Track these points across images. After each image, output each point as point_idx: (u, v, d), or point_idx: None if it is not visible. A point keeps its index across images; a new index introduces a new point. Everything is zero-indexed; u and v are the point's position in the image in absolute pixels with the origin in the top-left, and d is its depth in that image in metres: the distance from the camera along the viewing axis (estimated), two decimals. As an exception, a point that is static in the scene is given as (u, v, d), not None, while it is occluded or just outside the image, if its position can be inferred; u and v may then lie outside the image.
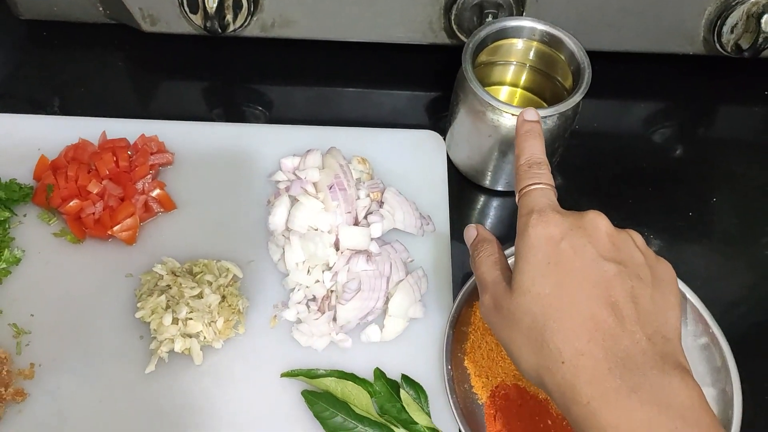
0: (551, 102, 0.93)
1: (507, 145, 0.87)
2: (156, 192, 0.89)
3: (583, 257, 0.61)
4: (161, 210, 0.90)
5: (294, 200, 0.87)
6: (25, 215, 0.89)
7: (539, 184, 0.67)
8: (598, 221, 0.64)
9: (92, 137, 0.93)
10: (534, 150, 0.71)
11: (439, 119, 1.03)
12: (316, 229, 0.85)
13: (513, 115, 0.83)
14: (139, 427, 0.78)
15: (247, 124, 1.00)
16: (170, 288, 0.81)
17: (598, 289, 0.61)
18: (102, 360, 0.81)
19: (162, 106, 1.05)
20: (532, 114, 0.75)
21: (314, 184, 0.88)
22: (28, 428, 0.77)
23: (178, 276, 0.82)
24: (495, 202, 0.97)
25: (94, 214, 0.87)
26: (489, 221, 0.96)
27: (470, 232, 0.75)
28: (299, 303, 0.84)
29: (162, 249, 0.88)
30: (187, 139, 0.96)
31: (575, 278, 0.61)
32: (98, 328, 0.83)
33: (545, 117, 0.83)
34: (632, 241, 0.65)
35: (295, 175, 0.90)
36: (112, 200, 0.87)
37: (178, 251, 0.88)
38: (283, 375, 0.81)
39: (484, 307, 0.68)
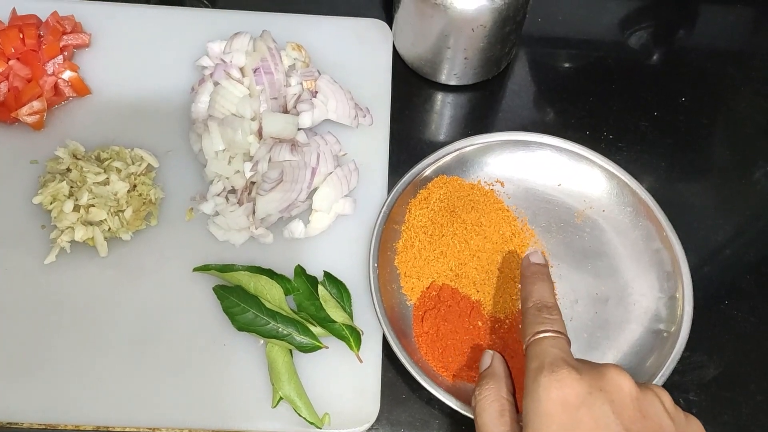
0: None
1: (455, 31, 0.79)
2: (67, 74, 0.82)
3: (607, 430, 0.52)
4: (73, 94, 0.83)
5: (217, 86, 0.79)
6: None
7: (550, 332, 0.59)
8: (620, 381, 0.54)
9: (3, 16, 0.85)
10: (543, 293, 0.64)
11: (389, 8, 0.94)
12: (239, 116, 0.78)
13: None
14: (38, 320, 0.72)
15: (176, 7, 0.92)
16: (70, 172, 0.74)
17: None
18: (0, 248, 0.74)
19: None
20: (538, 257, 0.70)
21: (240, 70, 0.80)
22: None
23: (80, 160, 0.75)
24: (441, 97, 0.89)
25: (-4, 95, 0.79)
26: (436, 118, 0.89)
27: (485, 359, 0.65)
28: (218, 195, 0.77)
29: (72, 135, 0.81)
30: (108, 20, 0.88)
31: None
32: (-3, 215, 0.76)
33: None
34: (659, 402, 0.56)
35: (222, 60, 0.82)
36: (17, 81, 0.80)
37: (91, 138, 0.80)
38: (196, 269, 0.75)
39: None
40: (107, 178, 0.74)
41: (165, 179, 0.79)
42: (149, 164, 0.78)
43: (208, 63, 0.83)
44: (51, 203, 0.74)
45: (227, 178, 0.77)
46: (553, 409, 0.53)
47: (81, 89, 0.82)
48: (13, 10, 0.85)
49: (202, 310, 0.73)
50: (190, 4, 0.97)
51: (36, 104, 0.79)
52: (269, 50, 0.79)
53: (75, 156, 0.75)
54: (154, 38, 0.88)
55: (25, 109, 0.79)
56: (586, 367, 0.56)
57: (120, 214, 0.74)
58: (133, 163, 0.77)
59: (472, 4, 0.76)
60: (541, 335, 0.59)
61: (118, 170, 0.75)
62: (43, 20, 0.85)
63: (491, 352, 0.65)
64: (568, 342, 0.59)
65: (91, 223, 0.73)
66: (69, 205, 0.72)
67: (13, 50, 0.80)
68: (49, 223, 0.75)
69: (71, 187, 0.74)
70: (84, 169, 0.73)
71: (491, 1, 0.75)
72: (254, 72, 0.77)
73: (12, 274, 0.74)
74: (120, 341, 0.72)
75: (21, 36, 0.81)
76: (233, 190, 0.77)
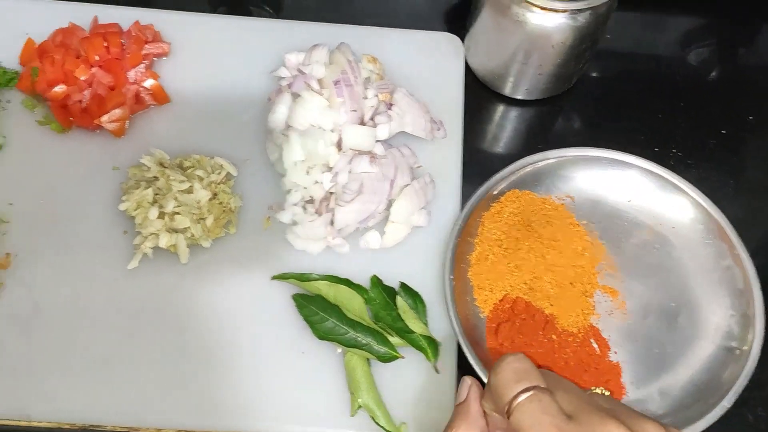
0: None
1: (531, 46, 0.80)
2: (149, 82, 0.84)
3: None
4: (154, 102, 0.84)
5: (296, 97, 0.81)
6: (9, 101, 0.84)
7: (531, 390, 0.52)
8: None
9: (84, 23, 0.87)
10: (512, 357, 0.55)
11: (459, 22, 0.95)
12: (318, 128, 0.79)
13: (543, 9, 0.76)
14: (118, 324, 0.74)
15: (252, 18, 0.94)
16: (157, 180, 0.75)
17: None
18: (82, 254, 0.76)
19: None
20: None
21: (319, 81, 0.81)
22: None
23: (166, 168, 0.76)
24: (509, 111, 0.90)
25: (81, 102, 0.81)
26: (506, 132, 0.90)
27: (462, 390, 0.60)
28: (296, 205, 0.79)
29: (153, 143, 0.82)
30: (186, 30, 0.90)
31: None
32: (80, 221, 0.78)
33: (576, 11, 0.76)
34: None
35: (300, 71, 0.84)
36: (101, 88, 0.82)
37: (170, 146, 0.82)
38: (274, 278, 0.76)
39: None
40: (191, 186, 0.75)
41: (242, 188, 0.81)
42: (228, 173, 0.80)
43: (285, 74, 0.84)
44: (135, 209, 0.75)
45: (305, 188, 0.78)
46: None
47: (161, 97, 0.84)
48: (95, 18, 0.87)
49: (280, 318, 0.75)
50: (256, 13, 0.98)
51: (118, 112, 0.81)
52: (349, 63, 0.80)
53: (162, 164, 0.77)
54: (227, 47, 0.89)
55: (107, 117, 0.81)
56: (581, 427, 0.50)
57: (202, 221, 0.75)
58: (213, 172, 0.79)
59: (554, 21, 0.77)
60: (523, 397, 0.52)
61: (200, 178, 0.77)
62: (124, 29, 0.86)
63: (469, 381, 0.61)
64: (552, 396, 0.52)
65: (175, 230, 0.74)
66: (154, 212, 0.74)
67: (97, 58, 0.82)
68: (131, 229, 0.77)
69: (156, 194, 0.75)
70: (171, 177, 0.75)
71: (573, 19, 0.76)
72: (335, 84, 0.78)
73: (95, 278, 0.75)
74: (200, 347, 0.73)
75: (105, 44, 0.82)
76: (311, 200, 0.78)
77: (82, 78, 0.81)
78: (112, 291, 0.75)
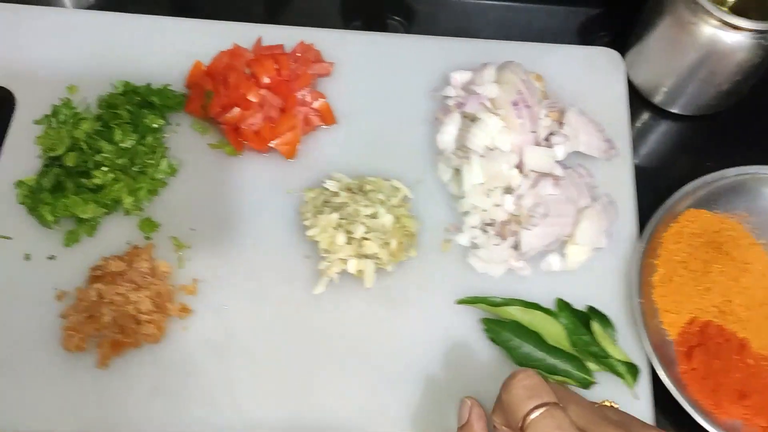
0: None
1: (715, 65, 0.79)
2: (318, 103, 0.83)
3: None
4: (321, 123, 0.84)
5: (470, 117, 0.80)
6: (178, 124, 0.84)
7: (544, 406, 0.52)
8: None
9: (242, 43, 0.87)
10: (523, 374, 0.55)
11: (615, 37, 0.94)
12: (497, 149, 0.78)
13: (733, 28, 0.75)
14: (308, 349, 0.74)
15: (406, 35, 0.93)
16: (347, 206, 0.75)
17: None
18: (267, 278, 0.76)
19: (304, 13, 0.97)
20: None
21: (491, 101, 0.81)
22: (194, 345, 0.73)
23: (355, 193, 0.76)
24: (676, 127, 0.89)
25: (253, 125, 0.81)
26: (671, 148, 0.89)
27: (462, 411, 0.62)
28: (474, 227, 0.78)
29: (322, 164, 0.82)
30: (344, 48, 0.89)
31: None
32: (261, 245, 0.78)
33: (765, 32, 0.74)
34: None
35: (466, 90, 0.83)
36: (272, 111, 0.82)
37: (340, 168, 0.82)
38: (460, 302, 0.76)
39: None
40: (375, 211, 0.75)
41: (416, 209, 0.80)
42: (405, 195, 0.79)
43: (452, 93, 0.84)
44: (319, 234, 0.75)
45: (484, 211, 0.78)
46: None
47: (329, 118, 0.84)
48: (259, 39, 0.86)
49: (467, 343, 0.74)
50: (391, 27, 0.98)
51: (290, 134, 0.81)
52: (522, 82, 0.80)
53: (349, 189, 0.77)
54: (384, 65, 0.89)
55: (280, 139, 0.81)
56: None
57: (386, 245, 0.75)
58: (392, 195, 0.78)
59: (742, 39, 0.76)
60: (536, 413, 0.52)
61: (382, 202, 0.77)
62: (286, 49, 0.86)
63: (469, 402, 0.62)
64: (564, 412, 0.53)
65: (366, 256, 0.74)
66: (342, 238, 0.74)
67: (267, 80, 0.82)
68: (312, 253, 0.77)
69: (341, 218, 0.75)
70: (360, 203, 0.75)
71: (764, 38, 0.75)
72: (514, 105, 0.77)
73: (281, 303, 0.75)
74: (386, 372, 0.73)
75: (276, 66, 0.82)
76: (490, 222, 0.78)
77: (255, 101, 0.81)
78: (299, 316, 0.75)
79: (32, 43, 0.87)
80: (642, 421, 0.58)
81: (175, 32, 0.89)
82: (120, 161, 0.76)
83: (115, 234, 0.78)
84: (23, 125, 0.83)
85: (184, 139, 0.83)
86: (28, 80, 0.85)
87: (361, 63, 0.89)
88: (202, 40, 0.88)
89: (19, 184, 0.78)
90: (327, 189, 0.78)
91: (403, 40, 0.91)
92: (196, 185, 0.81)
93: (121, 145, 0.77)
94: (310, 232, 0.75)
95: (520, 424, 0.53)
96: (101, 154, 0.76)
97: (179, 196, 0.80)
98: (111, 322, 0.71)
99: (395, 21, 0.98)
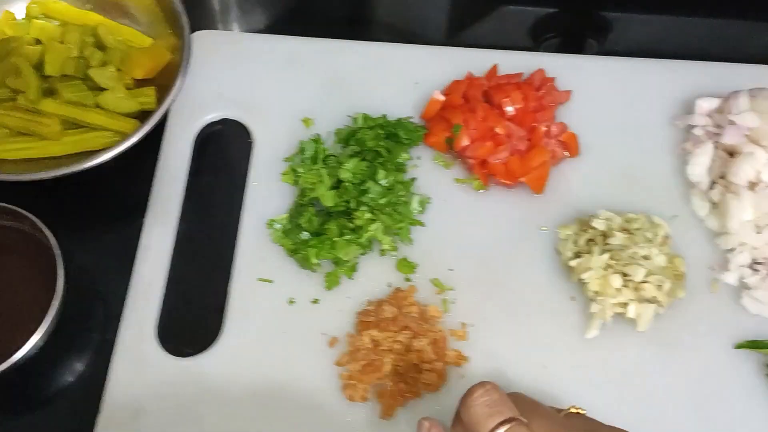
0: None
1: None
2: (564, 135, 0.80)
3: None
4: (566, 155, 0.81)
5: (717, 148, 0.77)
6: (419, 158, 0.81)
7: (507, 423, 0.50)
8: None
9: (458, 69, 0.85)
10: (481, 389, 0.52)
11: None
12: (757, 183, 0.75)
13: None
14: (583, 396, 0.70)
15: (639, 59, 0.88)
16: (625, 247, 0.72)
17: None
18: (535, 321, 0.74)
19: (490, 35, 0.95)
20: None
21: (750, 131, 0.77)
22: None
23: (632, 234, 0.73)
24: None
25: (501, 158, 0.78)
26: None
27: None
28: (742, 266, 0.75)
29: (569, 198, 0.80)
30: (575, 74, 0.86)
31: None
32: (522, 285, 0.75)
33: None
34: None
35: (712, 118, 0.80)
36: (521, 144, 0.79)
37: (587, 202, 0.79)
38: (739, 346, 0.73)
39: None
40: (650, 251, 0.72)
41: (674, 247, 0.77)
42: (666, 233, 0.76)
43: (700, 122, 0.81)
44: (590, 275, 0.72)
45: (755, 248, 0.75)
46: None
47: (574, 149, 0.81)
48: (494, 67, 0.84)
49: (746, 392, 0.71)
50: (587, 48, 0.95)
51: (541, 168, 0.78)
52: (782, 111, 0.76)
53: (626, 229, 0.74)
54: (619, 91, 0.86)
55: (530, 173, 0.78)
56: None
57: (660, 287, 0.72)
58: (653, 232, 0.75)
59: None
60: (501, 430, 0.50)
61: (650, 240, 0.74)
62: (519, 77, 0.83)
63: (427, 423, 0.56)
64: (527, 424, 0.51)
65: (647, 300, 0.71)
66: (618, 281, 0.71)
67: (512, 111, 0.79)
68: (577, 294, 0.74)
69: (611, 258, 0.72)
70: (639, 243, 0.72)
71: None
72: (789, 137, 0.74)
73: (552, 347, 0.73)
74: (661, 421, 0.70)
75: (524, 97, 0.79)
76: (761, 261, 0.75)
77: (502, 133, 0.78)
78: (572, 359, 0.72)
79: (262, 74, 0.84)
80: (611, 426, 0.55)
81: (403, 60, 0.86)
82: (382, 201, 0.74)
83: (372, 275, 0.75)
84: (261, 160, 0.80)
85: (429, 175, 0.80)
86: (261, 113, 0.83)
87: (593, 89, 0.86)
88: (418, 65, 0.86)
89: (270, 223, 0.76)
90: (593, 227, 0.74)
91: (636, 64, 0.87)
92: (447, 222, 0.78)
93: (383, 183, 0.74)
94: (583, 275, 0.72)
95: None
96: (368, 195, 0.73)
97: (431, 234, 0.77)
98: (392, 371, 0.69)
99: (591, 41, 0.96)
